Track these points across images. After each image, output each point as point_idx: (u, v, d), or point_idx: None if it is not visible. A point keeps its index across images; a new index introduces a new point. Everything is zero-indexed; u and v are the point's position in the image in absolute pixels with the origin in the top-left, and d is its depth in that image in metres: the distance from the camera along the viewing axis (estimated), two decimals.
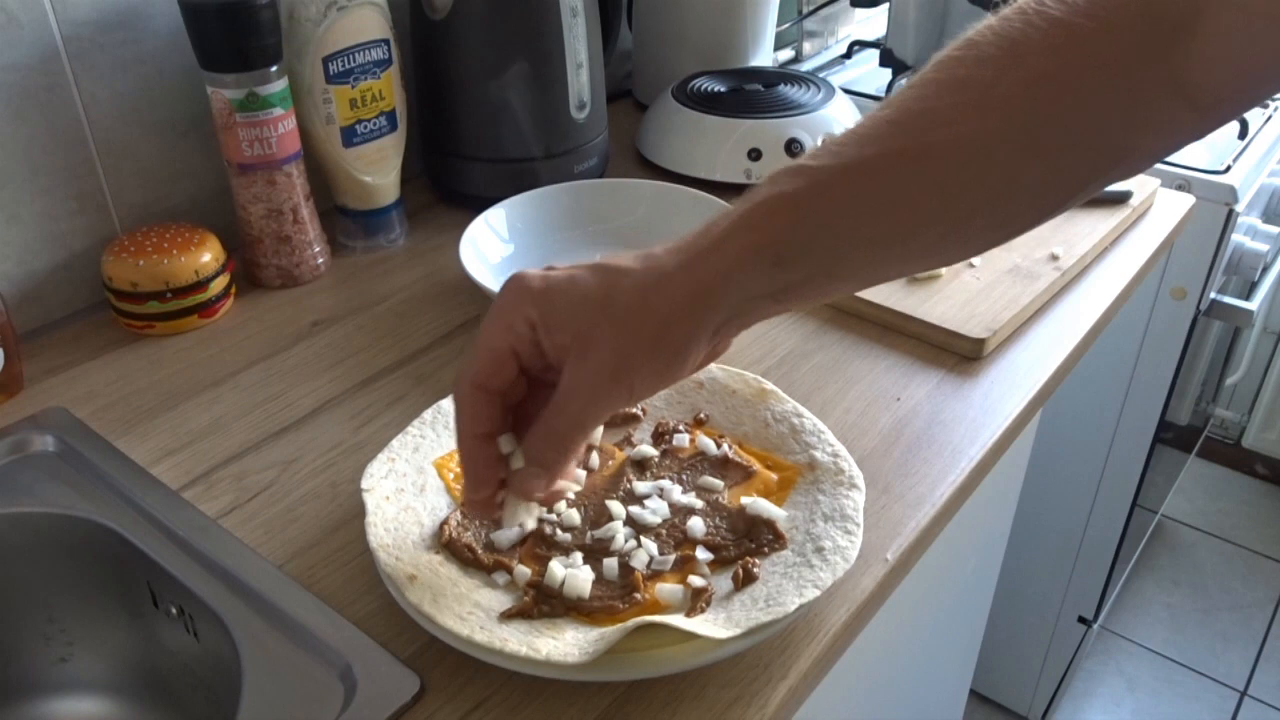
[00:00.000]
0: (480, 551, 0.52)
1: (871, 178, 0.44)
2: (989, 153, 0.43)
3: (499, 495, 0.47)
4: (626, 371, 0.44)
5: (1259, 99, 0.46)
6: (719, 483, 0.57)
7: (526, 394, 0.47)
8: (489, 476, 0.47)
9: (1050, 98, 0.43)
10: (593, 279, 0.44)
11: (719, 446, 0.59)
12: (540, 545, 0.53)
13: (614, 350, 0.44)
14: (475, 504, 0.48)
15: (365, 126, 0.82)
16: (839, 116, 0.99)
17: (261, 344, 0.74)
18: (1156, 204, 0.93)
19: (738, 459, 0.58)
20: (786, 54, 1.44)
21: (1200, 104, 0.44)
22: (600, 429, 0.60)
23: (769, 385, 0.62)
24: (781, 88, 1.02)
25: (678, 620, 0.46)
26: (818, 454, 0.57)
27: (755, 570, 0.51)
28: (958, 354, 0.72)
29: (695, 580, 0.51)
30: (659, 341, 0.44)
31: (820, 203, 0.44)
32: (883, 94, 1.36)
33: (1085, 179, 0.46)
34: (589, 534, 0.54)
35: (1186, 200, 0.95)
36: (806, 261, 0.44)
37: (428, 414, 0.60)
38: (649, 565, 0.52)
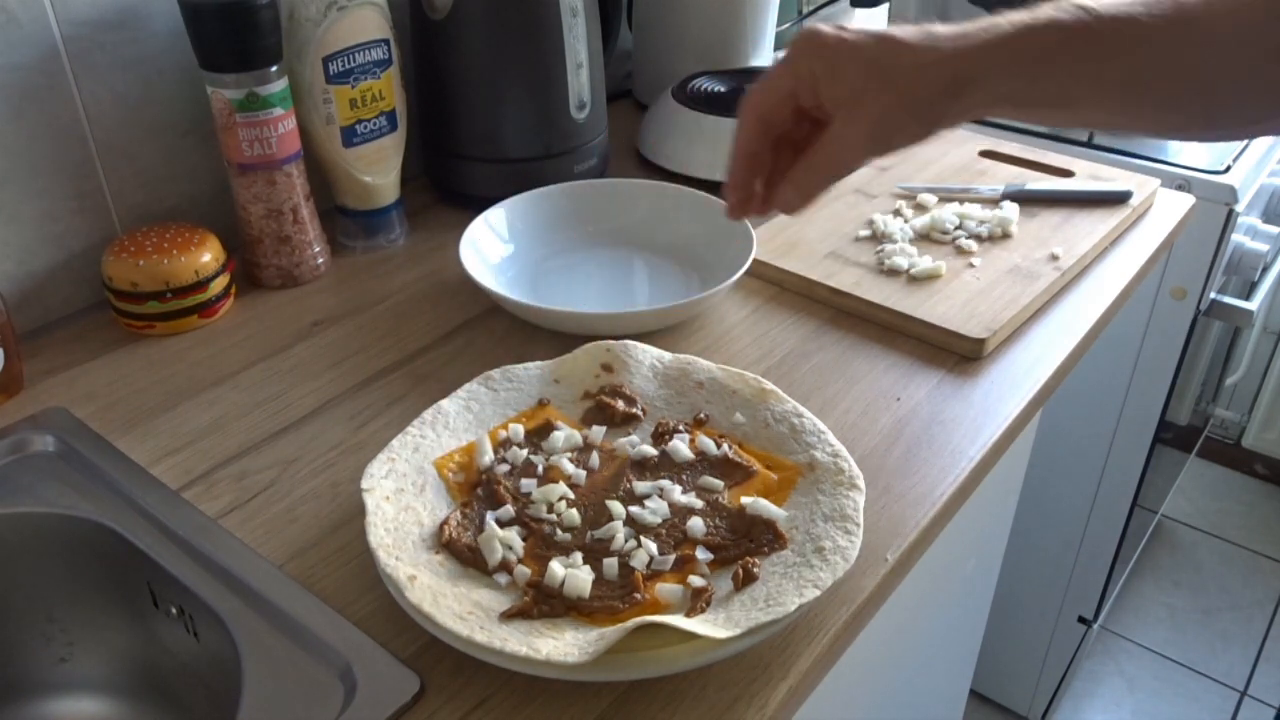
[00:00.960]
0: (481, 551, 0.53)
1: (1137, 30, 0.49)
2: (1245, 42, 0.49)
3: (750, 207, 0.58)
4: (887, 131, 0.53)
5: None
6: (719, 483, 0.57)
7: (791, 129, 0.56)
8: (750, 181, 0.57)
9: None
10: (878, 47, 0.52)
11: (719, 446, 0.59)
12: (540, 545, 0.53)
13: (883, 112, 0.52)
14: (732, 207, 0.58)
15: (365, 126, 0.82)
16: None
17: (261, 344, 0.74)
18: (1156, 204, 0.93)
19: (738, 459, 0.58)
20: None
21: None
22: (601, 431, 0.61)
23: (769, 385, 0.62)
24: None
25: (678, 620, 0.46)
26: (818, 454, 0.57)
27: (755, 570, 0.51)
28: (958, 354, 0.72)
29: (695, 580, 0.51)
30: (921, 113, 0.52)
31: (1086, 38, 0.50)
32: None
33: None
34: (589, 534, 0.54)
35: (1186, 200, 0.95)
36: (1055, 84, 0.51)
37: (428, 414, 0.60)
38: (649, 565, 0.52)
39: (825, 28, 0.53)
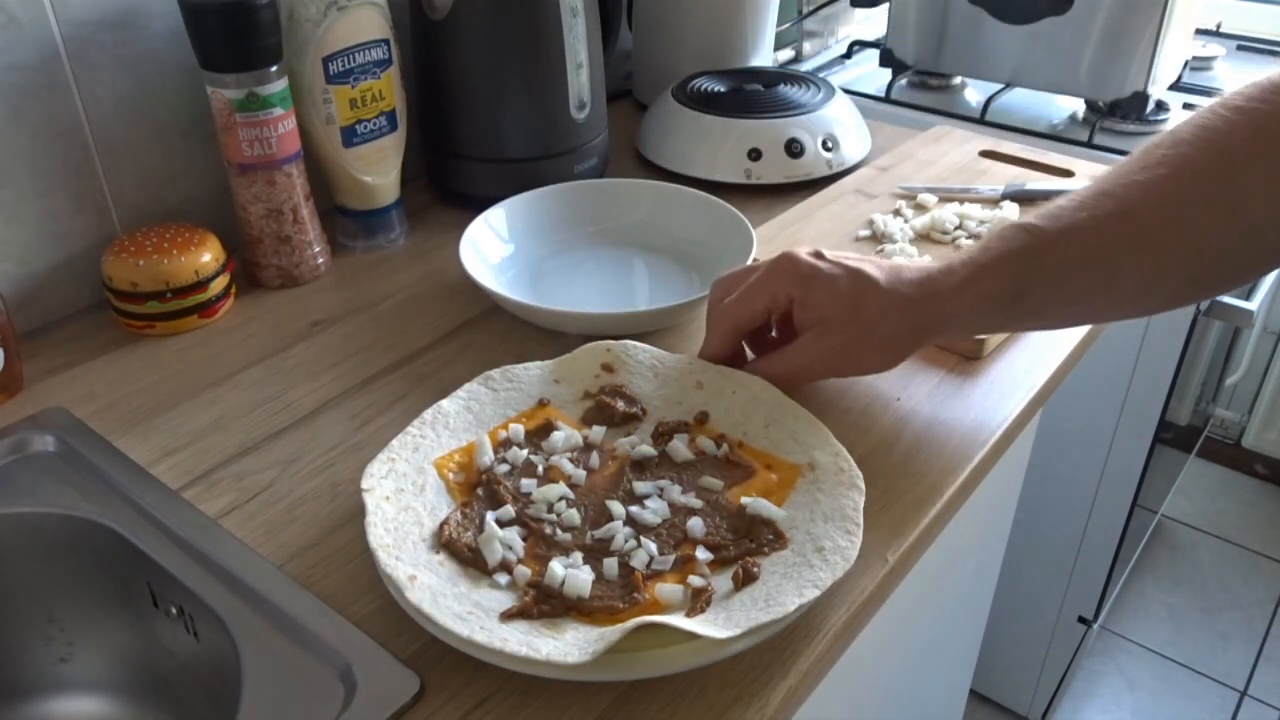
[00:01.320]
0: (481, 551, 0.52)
1: (1084, 237, 0.54)
2: (1183, 215, 0.52)
3: None
4: (850, 360, 0.61)
5: None
6: (719, 483, 0.57)
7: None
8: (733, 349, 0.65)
9: (1239, 164, 0.51)
10: (848, 284, 0.58)
11: (719, 446, 0.59)
12: (540, 545, 0.53)
13: (846, 342, 0.59)
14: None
15: (365, 126, 0.82)
16: (839, 116, 0.99)
17: (261, 344, 0.74)
18: None
19: (738, 459, 0.58)
20: (786, 54, 1.44)
21: None
22: (601, 431, 0.61)
23: (769, 385, 0.62)
24: (781, 88, 1.02)
25: (678, 620, 0.46)
26: (818, 454, 0.57)
27: (755, 570, 0.51)
28: (958, 354, 0.72)
29: (695, 580, 0.50)
30: (884, 348, 0.60)
31: (1043, 259, 0.55)
32: (883, 94, 1.36)
33: (1276, 245, 0.53)
34: (589, 534, 0.54)
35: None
36: (1022, 306, 0.56)
37: (428, 414, 0.60)
38: (649, 565, 0.52)
39: (802, 258, 0.59)
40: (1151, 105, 1.24)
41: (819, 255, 0.60)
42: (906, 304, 0.57)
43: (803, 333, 0.60)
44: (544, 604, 0.49)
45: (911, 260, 0.64)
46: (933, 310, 0.57)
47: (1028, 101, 1.34)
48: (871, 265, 0.59)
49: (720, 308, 0.63)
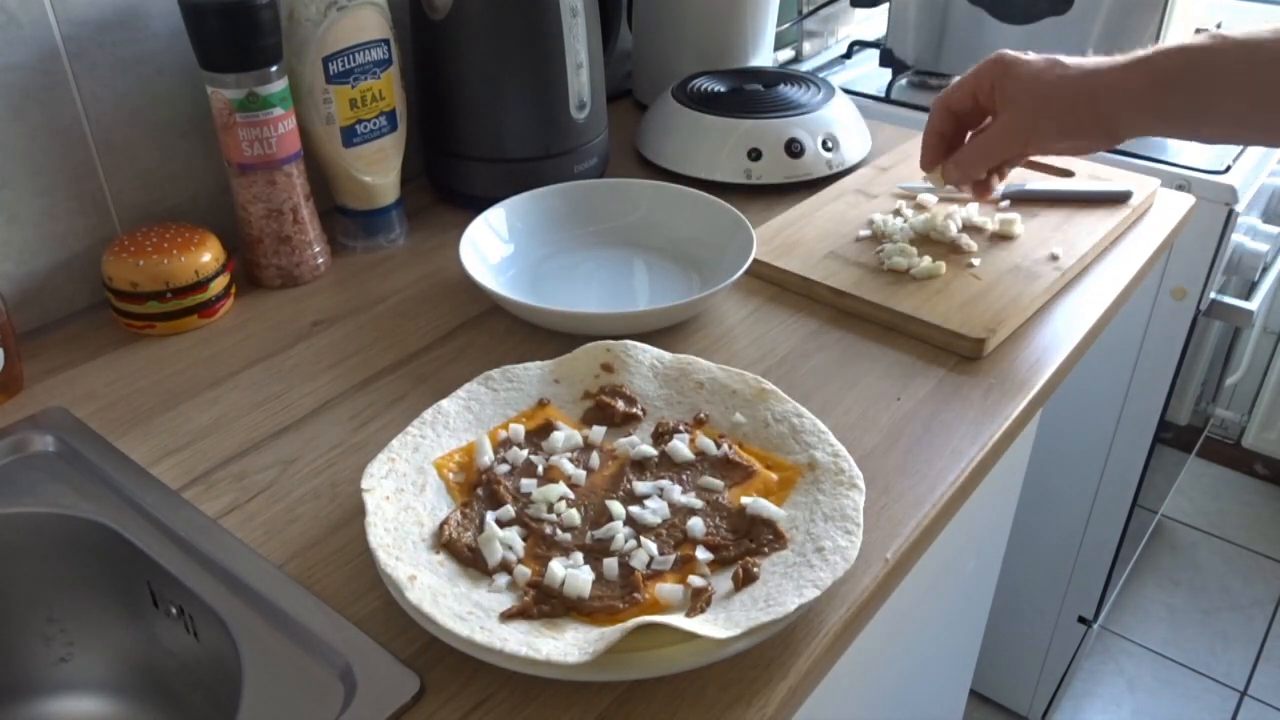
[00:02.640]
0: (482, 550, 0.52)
1: (1264, 46, 0.62)
2: None
3: (936, 170, 0.79)
4: (1033, 131, 0.71)
5: None
6: (719, 483, 0.57)
7: (971, 119, 0.77)
8: (935, 157, 0.79)
9: None
10: (1039, 65, 0.70)
11: (719, 446, 0.59)
12: (540, 545, 0.53)
13: (1034, 113, 0.70)
14: (928, 158, 0.79)
15: (365, 126, 0.82)
16: (839, 116, 0.99)
17: (261, 344, 0.74)
18: (1156, 204, 0.93)
19: (738, 459, 0.58)
20: (786, 54, 1.44)
21: None
22: (601, 431, 0.60)
23: (769, 385, 0.62)
24: (781, 88, 1.02)
25: (678, 620, 0.46)
26: (818, 454, 0.57)
27: (755, 570, 0.51)
28: (958, 354, 0.72)
29: (695, 580, 0.51)
30: (1060, 115, 0.70)
31: (1216, 54, 0.63)
32: (883, 94, 1.36)
33: None
34: (589, 534, 0.54)
35: (1186, 200, 0.95)
36: (1187, 97, 0.65)
37: (428, 414, 0.60)
38: (649, 565, 0.52)
39: (1007, 52, 0.71)
40: None
41: (1024, 50, 0.72)
42: (1081, 71, 0.67)
43: (998, 114, 0.72)
44: (544, 604, 0.49)
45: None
46: (1105, 78, 0.66)
47: None
48: (1066, 57, 0.69)
49: (936, 97, 0.77)
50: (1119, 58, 0.67)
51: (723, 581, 0.51)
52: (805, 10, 1.43)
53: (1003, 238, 0.84)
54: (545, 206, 0.86)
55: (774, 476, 0.57)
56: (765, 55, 1.18)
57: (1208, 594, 1.93)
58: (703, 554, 0.52)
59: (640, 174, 0.98)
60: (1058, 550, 1.46)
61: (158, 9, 0.75)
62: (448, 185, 0.94)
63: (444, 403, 0.61)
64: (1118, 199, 0.89)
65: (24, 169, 0.72)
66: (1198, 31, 0.73)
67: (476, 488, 0.57)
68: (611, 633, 0.46)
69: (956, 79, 0.74)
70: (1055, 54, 0.70)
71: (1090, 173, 0.95)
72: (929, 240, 0.84)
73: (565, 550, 0.53)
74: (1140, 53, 0.66)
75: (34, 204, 0.73)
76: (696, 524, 0.54)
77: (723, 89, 1.02)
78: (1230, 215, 1.14)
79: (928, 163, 0.78)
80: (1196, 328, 1.23)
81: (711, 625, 0.46)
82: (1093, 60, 0.68)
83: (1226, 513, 2.11)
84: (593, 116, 0.92)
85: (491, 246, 0.82)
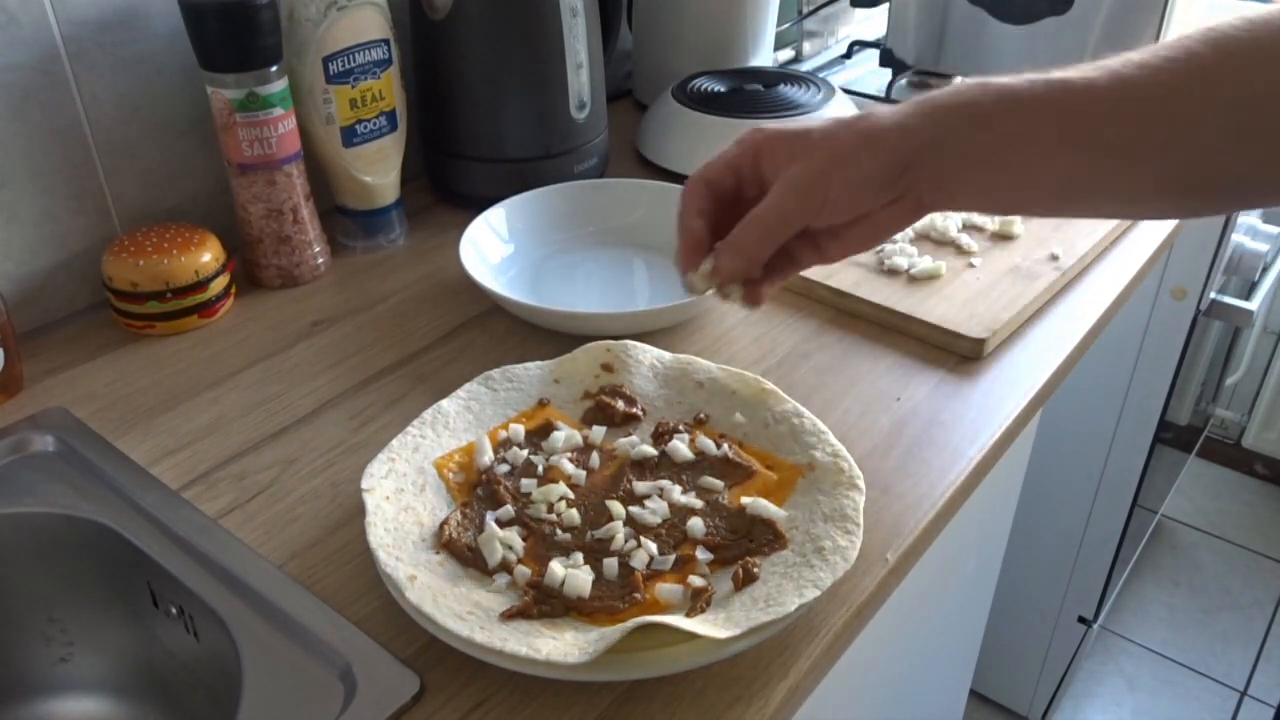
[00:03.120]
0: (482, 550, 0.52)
1: (1071, 91, 0.48)
2: (1173, 96, 0.47)
3: (701, 265, 0.57)
4: (823, 180, 0.52)
5: None
6: (719, 483, 0.57)
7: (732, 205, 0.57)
8: (698, 244, 0.57)
9: (1237, 66, 0.46)
10: (817, 126, 0.54)
11: (719, 446, 0.59)
12: (540, 545, 0.53)
13: (816, 168, 0.52)
14: (687, 254, 0.58)
15: (365, 126, 0.82)
16: (839, 116, 0.98)
17: (261, 344, 0.74)
18: None
19: (738, 459, 0.58)
20: (786, 54, 1.44)
21: None
22: (601, 431, 0.60)
23: (769, 385, 0.62)
24: (781, 88, 1.02)
25: (678, 620, 0.46)
26: (818, 454, 0.57)
27: (755, 570, 0.51)
28: (958, 354, 0.72)
29: (695, 580, 0.50)
30: (857, 173, 0.52)
31: (1017, 95, 0.49)
32: (883, 94, 1.36)
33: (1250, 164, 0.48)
34: (589, 534, 0.54)
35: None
36: (990, 136, 0.50)
37: (428, 414, 0.60)
38: (649, 565, 0.52)
39: (766, 127, 0.55)
40: None
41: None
42: (877, 123, 0.52)
43: (773, 181, 0.54)
44: (544, 604, 0.49)
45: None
46: (907, 119, 0.52)
47: None
48: (844, 117, 0.55)
49: (689, 179, 0.58)
50: (904, 104, 0.53)
51: (723, 581, 0.51)
52: (805, 10, 1.43)
53: (1003, 238, 0.84)
54: (545, 206, 0.86)
55: (774, 476, 0.57)
56: (765, 55, 1.18)
57: (1208, 594, 1.93)
58: (703, 554, 0.52)
59: (640, 174, 0.98)
60: (1058, 550, 1.46)
61: (158, 9, 0.75)
62: (448, 185, 0.94)
63: (444, 403, 0.61)
64: None
65: (24, 169, 0.72)
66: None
67: (476, 488, 0.57)
68: (611, 633, 0.46)
69: (707, 162, 0.57)
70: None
71: None
72: (929, 240, 0.84)
73: (565, 550, 0.53)
74: (935, 95, 0.52)
75: (34, 204, 0.73)
76: (696, 524, 0.54)
77: (723, 89, 1.02)
78: (1230, 215, 1.14)
79: (690, 259, 0.57)
80: (1196, 328, 1.23)
81: (711, 625, 0.46)
82: (871, 110, 0.54)
83: (1226, 513, 2.11)
84: (593, 116, 0.92)
85: (491, 246, 0.82)
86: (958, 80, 0.53)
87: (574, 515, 0.54)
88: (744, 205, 0.55)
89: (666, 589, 0.50)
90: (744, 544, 0.53)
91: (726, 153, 0.56)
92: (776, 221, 0.54)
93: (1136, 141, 0.48)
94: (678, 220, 0.57)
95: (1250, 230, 1.23)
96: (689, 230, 0.57)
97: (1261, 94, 0.45)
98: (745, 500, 0.55)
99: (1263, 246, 1.22)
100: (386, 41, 0.81)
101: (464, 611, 0.48)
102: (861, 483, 0.55)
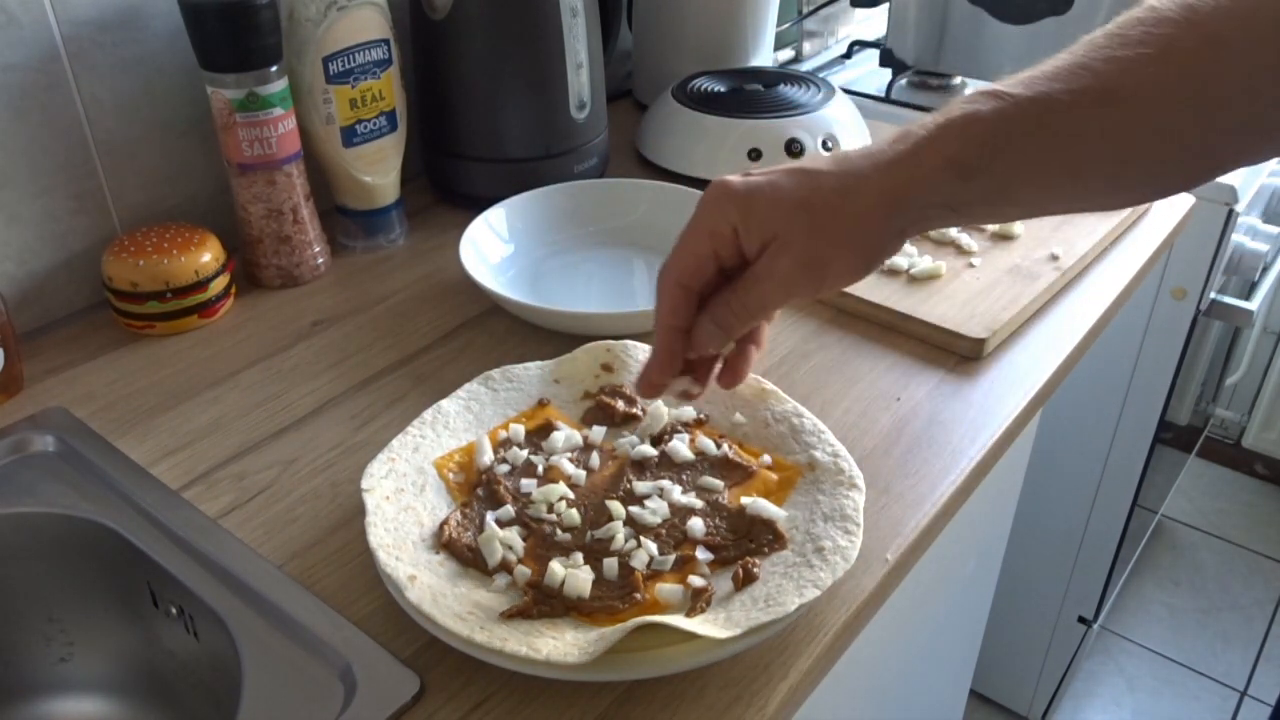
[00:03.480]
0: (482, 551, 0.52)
1: (1056, 112, 0.46)
2: (1162, 102, 0.45)
3: (674, 384, 0.53)
4: (820, 264, 0.49)
5: None
6: (719, 483, 0.57)
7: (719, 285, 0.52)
8: (675, 363, 0.52)
9: (1221, 57, 0.44)
10: (791, 182, 0.48)
11: (719, 446, 0.59)
12: (540, 545, 0.53)
13: (809, 244, 0.48)
14: (652, 385, 0.53)
15: (365, 126, 0.82)
16: (839, 116, 0.99)
17: (261, 344, 0.74)
18: (1156, 204, 0.93)
19: (738, 459, 0.58)
20: (786, 54, 1.44)
21: None
22: (601, 431, 0.60)
23: (769, 385, 0.62)
24: (781, 88, 1.02)
25: (678, 620, 0.46)
26: (818, 454, 0.57)
27: (755, 570, 0.51)
28: (958, 354, 0.72)
29: (695, 580, 0.50)
30: (851, 238, 0.48)
31: (1009, 126, 0.46)
32: (883, 94, 1.36)
33: (1240, 148, 0.47)
34: (589, 534, 0.54)
35: (1186, 200, 0.95)
36: (988, 180, 0.47)
37: (428, 414, 0.60)
38: (649, 565, 0.52)
39: (732, 178, 0.50)
40: None
41: (748, 174, 0.50)
42: (862, 182, 0.48)
43: (759, 256, 0.49)
44: (544, 604, 0.49)
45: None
46: (899, 179, 0.48)
47: None
48: (810, 160, 0.50)
49: (661, 271, 0.52)
50: (884, 147, 0.49)
51: (723, 581, 0.51)
52: (805, 10, 1.43)
53: (1003, 237, 0.84)
54: (545, 206, 0.86)
55: (774, 476, 0.57)
56: (765, 55, 1.18)
57: (1208, 594, 1.93)
58: (703, 554, 0.52)
59: (640, 174, 0.98)
60: (1058, 550, 1.46)
61: (158, 9, 0.75)
62: (448, 185, 0.94)
63: (444, 403, 0.61)
64: None
65: (24, 169, 0.72)
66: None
67: (476, 488, 0.57)
68: (611, 633, 0.46)
69: (675, 249, 0.51)
70: (797, 165, 0.50)
71: None
72: (929, 240, 0.84)
73: (565, 550, 0.53)
74: (915, 134, 0.48)
75: (34, 204, 0.73)
76: (696, 524, 0.54)
77: (723, 89, 1.02)
78: (1230, 215, 1.14)
79: (667, 379, 0.53)
80: (1196, 328, 1.23)
81: (711, 625, 0.46)
82: (849, 159, 0.49)
83: (1226, 513, 2.11)
84: (593, 116, 0.92)
85: (491, 246, 0.82)
86: (931, 117, 0.49)
87: (574, 515, 0.54)
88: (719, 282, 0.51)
89: (666, 589, 0.50)
90: (744, 544, 0.53)
91: (699, 240, 0.50)
92: (769, 304, 0.50)
93: (1119, 164, 0.48)
94: (657, 332, 0.52)
95: (1250, 230, 1.23)
96: (664, 362, 0.52)
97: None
98: (745, 500, 0.55)
99: (1263, 246, 1.22)
100: (386, 41, 0.81)
101: (464, 611, 0.48)
102: (861, 483, 0.55)
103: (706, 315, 0.51)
